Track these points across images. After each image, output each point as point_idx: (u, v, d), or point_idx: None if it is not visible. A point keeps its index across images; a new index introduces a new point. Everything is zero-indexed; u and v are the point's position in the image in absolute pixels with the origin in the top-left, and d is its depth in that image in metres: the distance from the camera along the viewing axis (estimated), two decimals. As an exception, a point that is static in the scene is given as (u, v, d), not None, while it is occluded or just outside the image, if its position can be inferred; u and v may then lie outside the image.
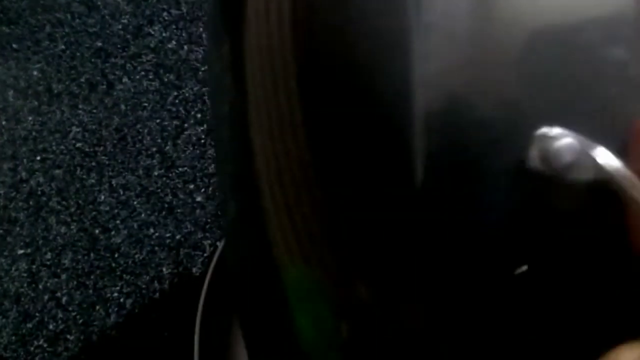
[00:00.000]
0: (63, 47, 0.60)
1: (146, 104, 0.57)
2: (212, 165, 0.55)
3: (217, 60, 0.27)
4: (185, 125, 0.56)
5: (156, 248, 0.51)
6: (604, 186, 0.20)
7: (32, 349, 0.49)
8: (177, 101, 0.57)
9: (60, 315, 0.50)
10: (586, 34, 0.21)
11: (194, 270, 0.51)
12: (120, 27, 0.61)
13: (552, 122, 0.21)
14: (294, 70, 0.23)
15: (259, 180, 0.25)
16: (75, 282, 0.51)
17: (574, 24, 0.21)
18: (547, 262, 0.22)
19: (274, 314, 0.26)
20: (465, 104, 0.21)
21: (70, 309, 0.50)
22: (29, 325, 0.49)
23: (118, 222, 0.53)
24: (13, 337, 0.49)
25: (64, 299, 0.50)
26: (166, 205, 0.53)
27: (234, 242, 0.29)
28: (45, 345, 0.49)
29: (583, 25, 0.21)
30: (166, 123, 0.57)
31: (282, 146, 0.23)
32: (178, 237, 0.52)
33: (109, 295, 0.50)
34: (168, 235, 0.52)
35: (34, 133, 0.56)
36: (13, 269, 0.51)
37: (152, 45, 0.60)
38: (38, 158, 0.55)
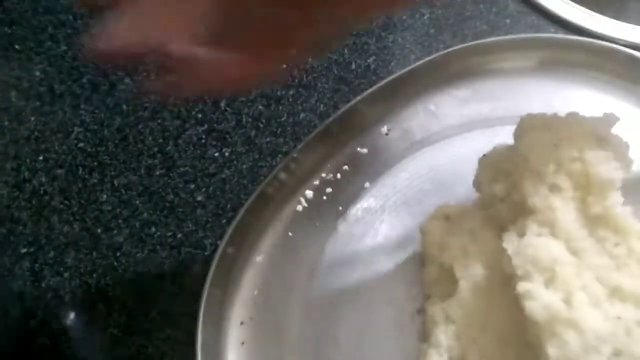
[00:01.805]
0: (65, 47, 0.60)
1: (147, 104, 0.58)
2: (213, 165, 0.55)
3: None
4: (186, 125, 0.57)
5: (158, 247, 0.52)
6: None
7: (35, 346, 0.49)
8: (177, 101, 0.58)
9: (63, 313, 0.50)
10: None
11: (194, 268, 0.51)
12: (121, 28, 0.61)
13: None
14: None
15: None
16: (77, 281, 0.51)
17: None
18: None
19: None
20: None
21: (73, 307, 0.50)
22: (32, 323, 0.50)
23: (120, 221, 0.53)
24: (16, 335, 0.49)
25: (67, 297, 0.51)
26: (167, 205, 0.53)
27: None
28: (48, 343, 0.49)
29: None
30: (167, 123, 0.57)
31: None
32: (179, 236, 0.52)
33: (111, 293, 0.51)
34: (169, 234, 0.52)
35: (36, 133, 0.57)
36: (16, 267, 0.51)
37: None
38: (40, 158, 0.56)
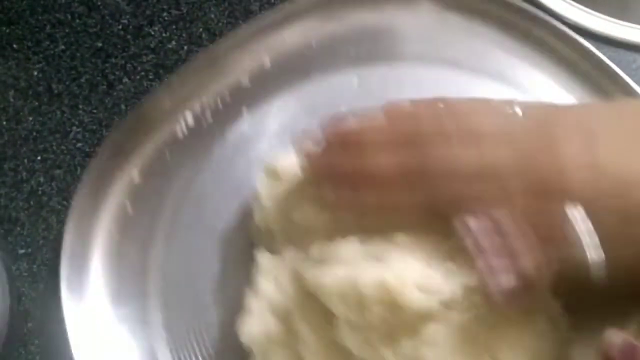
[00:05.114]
0: (63, 47, 0.60)
1: (146, 104, 0.57)
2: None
3: None
4: (185, 125, 0.57)
5: (157, 248, 0.51)
6: None
7: (32, 348, 0.49)
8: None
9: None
10: None
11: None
12: (120, 27, 0.61)
13: None
14: None
15: None
16: (76, 282, 0.51)
17: None
18: None
19: None
20: None
21: (71, 308, 0.50)
22: (30, 324, 0.50)
23: (118, 221, 0.53)
24: (13, 337, 0.49)
25: (65, 298, 0.50)
26: (166, 205, 0.53)
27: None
28: (46, 345, 0.49)
29: None
30: (166, 123, 0.57)
31: None
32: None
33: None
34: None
35: (34, 133, 0.56)
36: (14, 268, 0.51)
37: (152, 45, 0.60)
38: (38, 158, 0.55)
